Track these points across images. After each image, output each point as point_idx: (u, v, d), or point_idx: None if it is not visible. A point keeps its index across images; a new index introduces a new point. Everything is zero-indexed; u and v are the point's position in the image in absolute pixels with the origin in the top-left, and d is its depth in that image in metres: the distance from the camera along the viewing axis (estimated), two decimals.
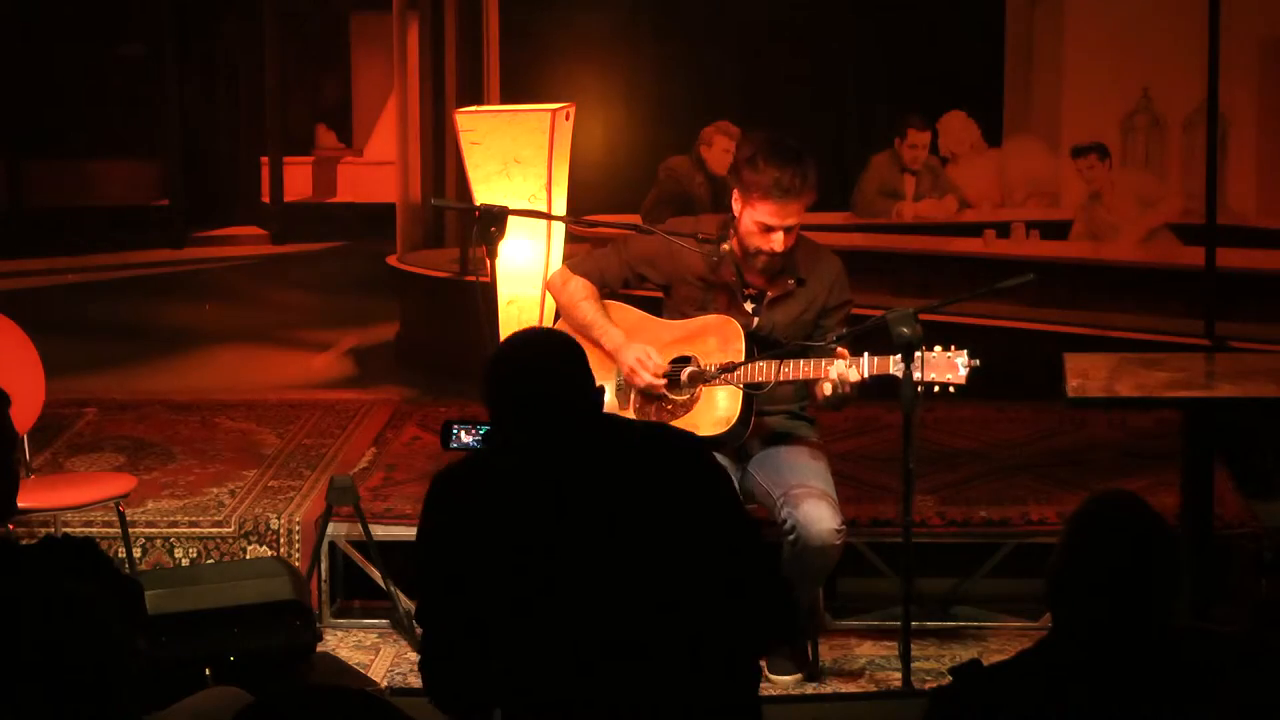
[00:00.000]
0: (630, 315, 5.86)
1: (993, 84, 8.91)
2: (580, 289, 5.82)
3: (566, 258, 6.45)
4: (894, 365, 5.37)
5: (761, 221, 5.55)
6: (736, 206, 5.63)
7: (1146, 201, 8.72)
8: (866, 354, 5.44)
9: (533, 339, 4.00)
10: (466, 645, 3.72)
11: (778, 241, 5.57)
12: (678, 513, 3.73)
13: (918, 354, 5.35)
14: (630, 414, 5.75)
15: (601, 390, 3.88)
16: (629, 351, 5.70)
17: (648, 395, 5.73)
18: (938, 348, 5.41)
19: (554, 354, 3.84)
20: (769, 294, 5.72)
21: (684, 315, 5.77)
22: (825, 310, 5.72)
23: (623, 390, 5.78)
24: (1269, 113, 8.59)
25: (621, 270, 5.84)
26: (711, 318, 5.71)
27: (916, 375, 5.34)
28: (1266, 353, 7.41)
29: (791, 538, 5.51)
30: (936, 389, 5.41)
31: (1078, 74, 8.81)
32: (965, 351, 5.41)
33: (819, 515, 5.48)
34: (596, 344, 5.74)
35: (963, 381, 5.39)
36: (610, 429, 3.90)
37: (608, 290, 5.87)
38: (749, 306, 5.73)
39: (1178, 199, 8.66)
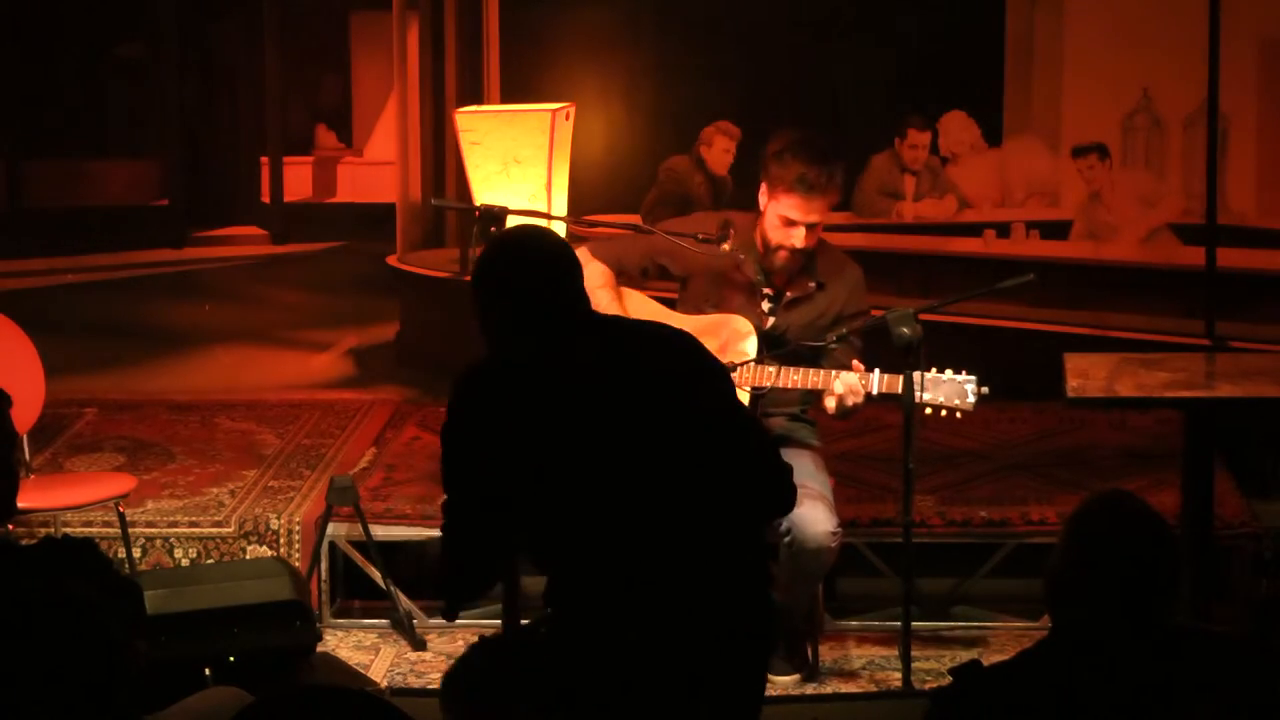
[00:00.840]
0: (645, 306, 5.85)
1: (993, 84, 8.91)
2: (597, 274, 5.80)
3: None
4: (903, 386, 5.36)
5: (784, 215, 5.57)
6: (762, 200, 5.64)
7: (1146, 201, 8.72)
8: (878, 370, 5.44)
9: (527, 236, 4.06)
10: (485, 536, 3.85)
11: (799, 237, 5.58)
12: (683, 397, 3.85)
13: (929, 375, 5.36)
14: None
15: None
16: None
17: None
18: (949, 371, 5.42)
19: (549, 250, 3.92)
20: (787, 294, 5.72)
21: (699, 310, 5.76)
22: (841, 318, 5.71)
23: None
24: (1269, 113, 8.59)
25: (641, 259, 5.82)
26: (725, 316, 5.70)
27: (927, 396, 5.36)
28: (1266, 353, 7.41)
29: (787, 540, 5.51)
30: (944, 413, 5.42)
31: (1078, 74, 8.81)
32: (975, 378, 5.42)
33: (814, 518, 5.48)
34: None
35: (970, 408, 5.41)
36: (609, 322, 4.00)
37: (625, 278, 5.86)
38: (765, 306, 5.73)
39: (1178, 199, 8.66)
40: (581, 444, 3.80)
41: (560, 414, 3.80)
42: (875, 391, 5.44)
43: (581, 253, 5.90)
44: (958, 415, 5.44)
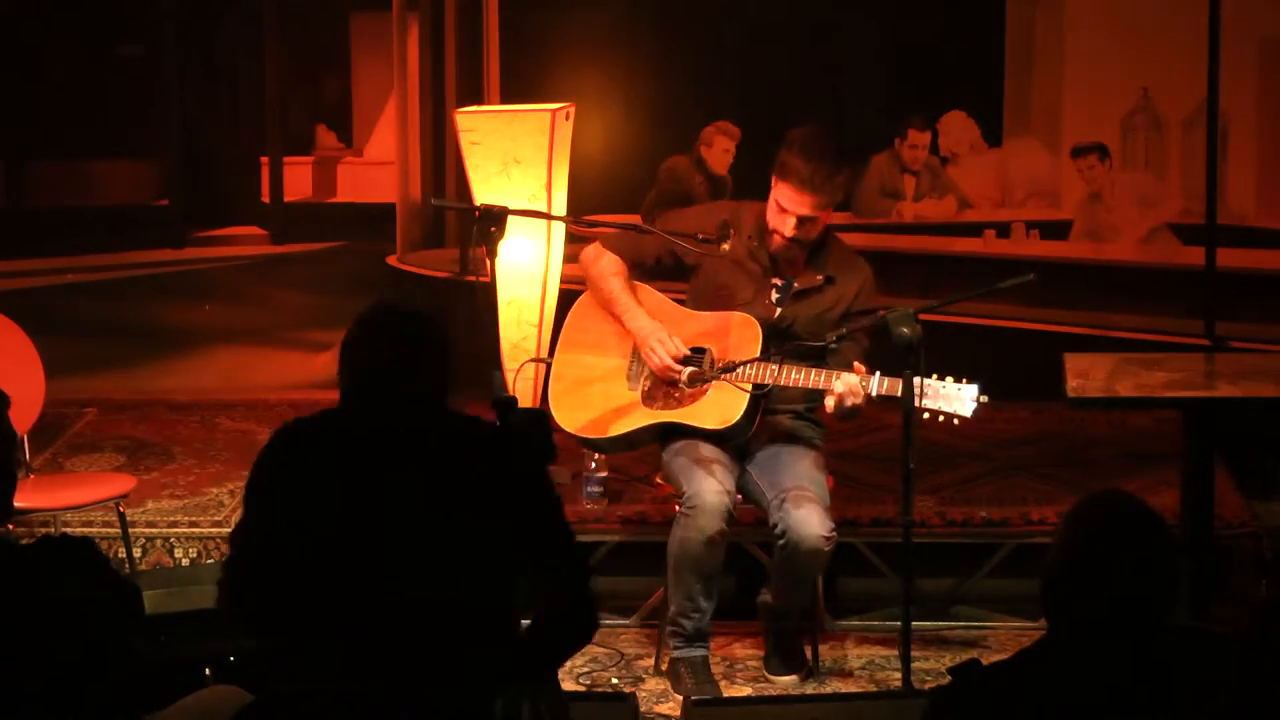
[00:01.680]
0: (655, 300, 5.87)
1: (993, 84, 8.91)
2: (611, 264, 5.85)
3: (567, 258, 6.45)
4: (903, 390, 5.37)
5: (778, 201, 5.62)
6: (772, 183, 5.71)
7: (1146, 201, 8.72)
8: (878, 373, 5.44)
9: (389, 315, 4.02)
10: (261, 579, 3.88)
11: (788, 226, 5.62)
12: (485, 511, 3.84)
13: (931, 382, 5.37)
14: (639, 397, 5.77)
15: (445, 369, 3.96)
16: (650, 332, 5.72)
17: (658, 380, 5.75)
18: (949, 379, 5.42)
19: (403, 333, 3.93)
20: (796, 285, 5.73)
21: (708, 299, 5.78)
22: (850, 314, 5.72)
23: (634, 373, 5.80)
24: (1269, 113, 8.59)
25: (656, 249, 5.84)
26: (734, 315, 5.72)
27: (926, 403, 5.37)
28: (1266, 353, 7.41)
29: (781, 541, 5.52)
30: (941, 418, 5.43)
31: (1078, 74, 8.81)
32: (976, 386, 5.42)
33: (809, 520, 5.49)
34: (619, 320, 5.78)
35: (967, 416, 5.42)
36: (446, 417, 3.96)
37: (640, 268, 5.88)
38: (774, 295, 5.74)
39: (1178, 199, 8.66)
40: (375, 518, 3.81)
41: (353, 493, 3.83)
42: (875, 393, 5.44)
43: (594, 246, 5.93)
44: (955, 421, 5.45)
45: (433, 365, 3.94)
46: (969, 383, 5.43)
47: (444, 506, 3.84)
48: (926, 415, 5.42)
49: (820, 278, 5.73)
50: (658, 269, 5.89)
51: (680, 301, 5.90)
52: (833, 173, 5.61)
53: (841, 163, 5.66)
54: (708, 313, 5.78)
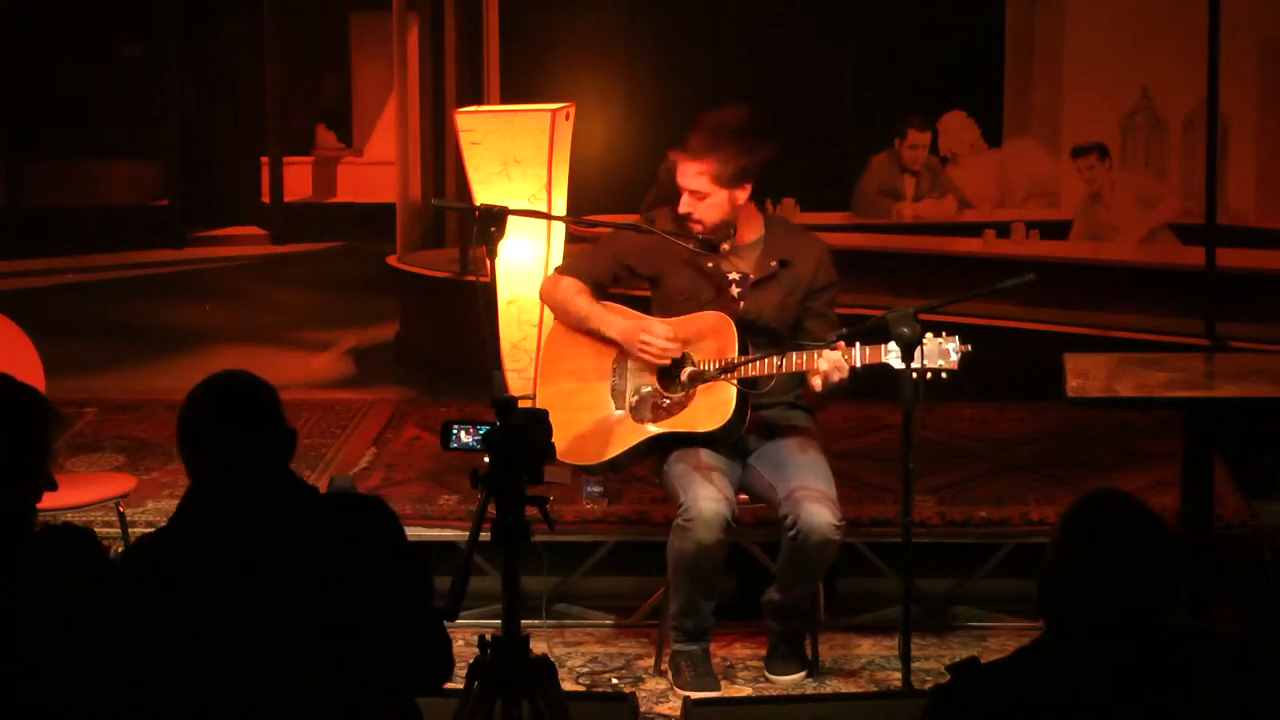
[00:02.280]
0: (626, 314, 5.87)
1: (993, 84, 8.91)
2: (571, 286, 5.84)
3: (565, 258, 6.45)
4: (885, 354, 5.37)
5: (676, 180, 5.68)
6: None
7: (1146, 201, 8.72)
8: (859, 344, 5.43)
9: (215, 388, 3.91)
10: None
11: (682, 203, 5.61)
12: (337, 581, 3.67)
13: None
14: (625, 411, 5.77)
15: (291, 435, 3.86)
16: (635, 331, 5.71)
17: (644, 391, 5.75)
18: (928, 334, 5.39)
19: (228, 406, 3.82)
20: (751, 276, 5.73)
21: (673, 306, 5.77)
22: (812, 292, 5.72)
23: (619, 392, 5.80)
24: (1269, 113, 8.59)
25: (611, 264, 5.85)
26: (706, 316, 5.71)
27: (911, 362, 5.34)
28: (1266, 353, 7.41)
29: (791, 533, 5.54)
30: (929, 375, 5.39)
31: (1078, 74, 8.81)
32: (956, 337, 5.40)
33: (819, 513, 5.51)
34: (597, 334, 5.77)
35: (954, 367, 5.38)
36: (287, 490, 3.82)
37: (600, 288, 5.88)
38: (735, 291, 5.74)
39: (1178, 199, 8.66)
40: (235, 617, 3.62)
41: (220, 590, 3.64)
42: (859, 364, 5.44)
43: (551, 276, 5.98)
44: (944, 376, 5.41)
45: (268, 423, 3.83)
46: (948, 335, 5.41)
47: (321, 582, 3.66)
48: (914, 375, 5.35)
49: (774, 264, 5.73)
50: (614, 284, 5.90)
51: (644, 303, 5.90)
52: (716, 142, 5.59)
53: (737, 137, 5.61)
54: (678, 318, 5.76)
